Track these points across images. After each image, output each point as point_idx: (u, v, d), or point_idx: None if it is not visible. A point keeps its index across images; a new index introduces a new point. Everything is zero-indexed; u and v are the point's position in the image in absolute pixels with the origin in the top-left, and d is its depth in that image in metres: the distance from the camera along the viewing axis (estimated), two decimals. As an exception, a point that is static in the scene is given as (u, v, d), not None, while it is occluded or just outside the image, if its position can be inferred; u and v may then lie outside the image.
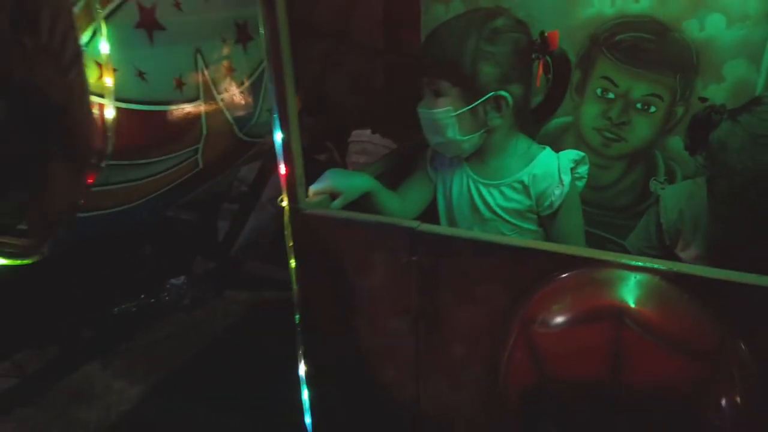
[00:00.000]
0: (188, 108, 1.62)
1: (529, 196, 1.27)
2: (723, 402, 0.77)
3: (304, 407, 1.29)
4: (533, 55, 1.25)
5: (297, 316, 1.23)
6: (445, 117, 1.23)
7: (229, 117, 1.73)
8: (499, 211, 1.30)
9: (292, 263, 1.19)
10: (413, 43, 1.73)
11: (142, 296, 2.27)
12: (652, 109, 1.41)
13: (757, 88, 1.31)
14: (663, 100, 1.40)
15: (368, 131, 2.26)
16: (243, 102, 1.78)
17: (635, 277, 0.86)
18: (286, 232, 1.17)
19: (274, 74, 1.04)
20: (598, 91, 1.46)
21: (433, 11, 1.58)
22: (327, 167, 1.28)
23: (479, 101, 1.22)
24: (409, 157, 1.48)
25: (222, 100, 1.71)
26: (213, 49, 1.65)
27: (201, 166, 1.71)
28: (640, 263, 0.87)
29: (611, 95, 1.43)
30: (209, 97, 1.66)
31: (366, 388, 1.22)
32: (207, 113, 1.66)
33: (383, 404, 1.21)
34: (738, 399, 0.78)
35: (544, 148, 1.31)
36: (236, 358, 1.96)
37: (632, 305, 0.83)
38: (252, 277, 2.45)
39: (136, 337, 2.08)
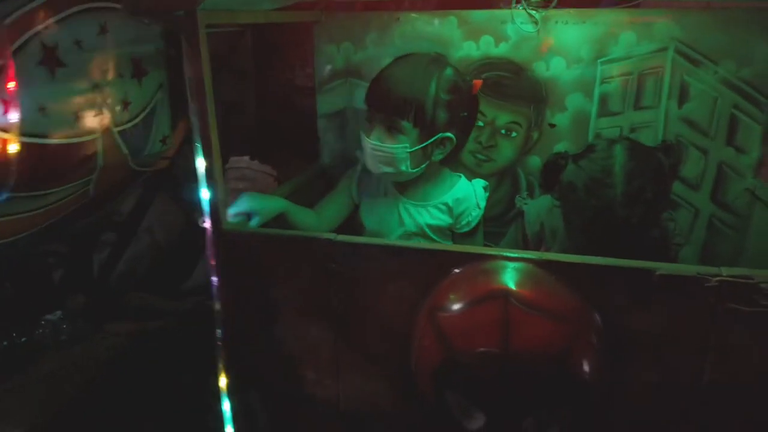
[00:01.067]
0: (86, 141, 1.65)
1: (451, 215, 1.49)
2: (583, 357, 1.01)
3: (225, 418, 1.38)
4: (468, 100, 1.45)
5: (218, 330, 1.32)
6: (401, 152, 1.39)
7: (124, 148, 1.77)
8: (426, 228, 1.50)
9: (214, 280, 1.29)
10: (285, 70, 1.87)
11: (14, 335, 2.14)
12: (514, 134, 1.69)
13: (591, 116, 1.64)
14: (522, 126, 1.68)
15: (246, 157, 2.34)
16: (137, 134, 1.83)
17: (513, 266, 1.09)
18: (208, 252, 1.27)
19: (199, 107, 1.16)
20: (471, 120, 1.72)
21: (327, 50, 1.77)
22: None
23: (431, 140, 1.39)
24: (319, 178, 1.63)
25: (118, 132, 1.75)
26: (110, 84, 1.70)
27: (91, 195, 1.73)
28: (516, 254, 1.10)
29: (481, 123, 1.69)
30: (106, 130, 1.70)
31: (288, 392, 1.33)
32: (104, 145, 1.69)
33: (305, 405, 1.33)
34: (594, 355, 1.02)
35: (460, 176, 1.54)
36: (123, 393, 1.88)
37: (514, 287, 1.04)
38: (132, 309, 2.39)
39: (10, 379, 1.88)
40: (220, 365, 1.34)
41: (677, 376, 1.07)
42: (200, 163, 1.21)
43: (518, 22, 1.60)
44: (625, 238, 1.28)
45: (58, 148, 1.55)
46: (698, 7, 1.51)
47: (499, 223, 1.77)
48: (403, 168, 1.41)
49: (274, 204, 1.41)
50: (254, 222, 1.33)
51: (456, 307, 1.06)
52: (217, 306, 1.28)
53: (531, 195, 1.74)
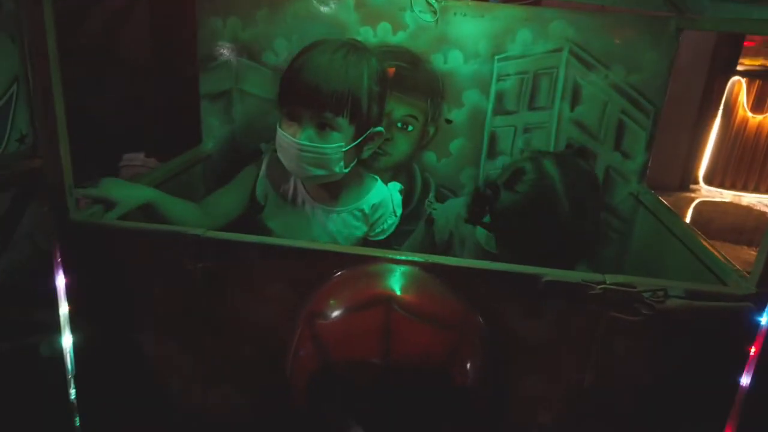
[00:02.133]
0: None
1: (366, 223, 1.38)
2: (467, 364, 0.95)
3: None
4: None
5: (67, 338, 1.14)
6: (336, 152, 1.26)
7: (-25, 149, 1.53)
8: (339, 238, 1.37)
9: (59, 281, 1.11)
10: (187, 62, 1.72)
11: None
12: (410, 128, 1.62)
13: (486, 113, 1.60)
14: (418, 120, 1.62)
15: (141, 155, 2.15)
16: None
17: (400, 269, 1.01)
18: (51, 246, 1.09)
19: (38, 81, 0.98)
20: (366, 110, 1.63)
21: (211, 24, 1.61)
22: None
23: (364, 136, 1.28)
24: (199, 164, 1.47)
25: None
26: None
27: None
28: (403, 257, 1.02)
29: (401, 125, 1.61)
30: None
31: (151, 402, 1.18)
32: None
33: (169, 416, 1.19)
34: (478, 361, 0.96)
35: (376, 179, 1.43)
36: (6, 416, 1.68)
37: (398, 292, 0.96)
38: (10, 324, 2.12)
39: None
40: (69, 378, 1.16)
41: (562, 384, 1.05)
42: (41, 129, 1.03)
43: (417, 10, 1.53)
44: (571, 251, 1.22)
45: None
46: (592, 9, 1.52)
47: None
48: (337, 169, 1.28)
49: (138, 193, 1.24)
50: (112, 214, 1.16)
51: (335, 313, 0.96)
52: (63, 311, 1.10)
53: (426, 192, 1.68)
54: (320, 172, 1.29)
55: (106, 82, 2.18)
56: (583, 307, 0.99)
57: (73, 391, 1.18)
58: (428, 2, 1.51)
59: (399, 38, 1.56)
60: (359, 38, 1.56)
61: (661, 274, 1.37)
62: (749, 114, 4.13)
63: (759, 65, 4.21)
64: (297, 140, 1.25)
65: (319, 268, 1.03)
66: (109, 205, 1.17)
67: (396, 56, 1.57)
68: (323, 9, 1.56)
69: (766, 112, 4.14)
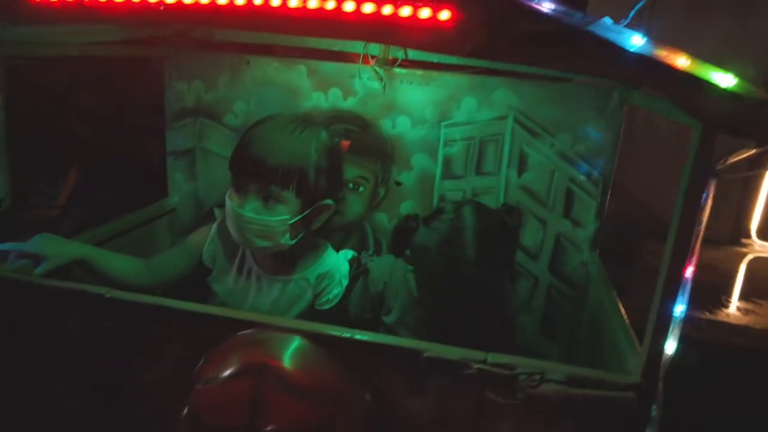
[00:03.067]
0: None
1: (312, 292, 1.38)
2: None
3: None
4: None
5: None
6: (281, 225, 1.26)
7: None
8: (282, 306, 1.37)
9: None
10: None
11: None
12: (361, 189, 1.65)
13: (435, 176, 1.62)
14: (369, 181, 1.64)
15: None
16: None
17: (287, 338, 1.02)
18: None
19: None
20: (318, 171, 1.67)
21: (177, 87, 1.70)
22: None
23: (310, 209, 1.29)
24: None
25: None
26: None
27: None
28: (290, 325, 1.04)
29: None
30: None
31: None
32: None
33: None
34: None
35: (327, 247, 1.43)
36: None
37: (277, 362, 0.98)
38: None
39: None
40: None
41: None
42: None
43: (365, 77, 1.58)
44: (474, 299, 1.25)
45: None
46: (533, 78, 1.53)
47: (345, 278, 1.72)
48: (282, 241, 1.28)
49: (70, 249, 1.29)
50: (41, 268, 1.22)
51: (213, 379, 0.98)
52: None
53: (378, 253, 1.70)
54: (265, 243, 1.28)
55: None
56: (463, 387, 0.98)
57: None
58: (375, 71, 1.56)
59: (349, 104, 1.62)
60: (311, 103, 1.62)
61: (601, 348, 1.33)
62: (805, 165, 3.89)
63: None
64: (242, 211, 1.25)
65: (212, 332, 1.05)
66: (39, 260, 1.23)
67: (346, 120, 1.62)
68: (278, 75, 1.63)
69: (822, 164, 3.90)
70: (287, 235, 1.28)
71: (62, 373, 1.15)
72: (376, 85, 1.58)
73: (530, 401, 0.95)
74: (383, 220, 1.68)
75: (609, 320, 1.31)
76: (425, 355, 0.98)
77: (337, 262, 1.44)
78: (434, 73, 1.56)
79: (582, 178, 1.55)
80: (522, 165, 1.57)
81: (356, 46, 1.58)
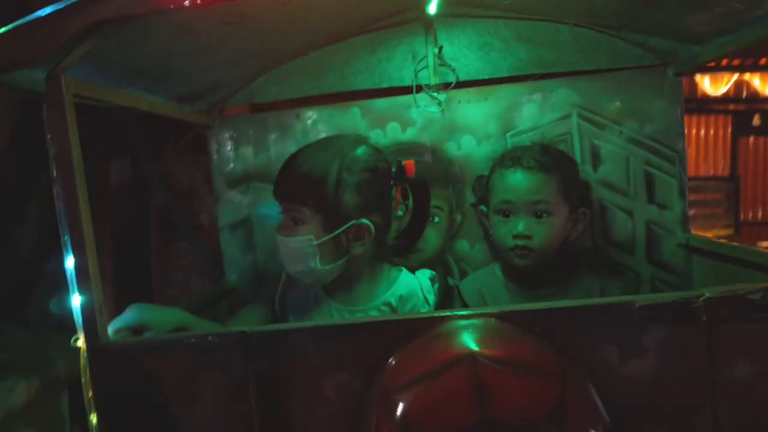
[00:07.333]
0: None
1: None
2: (582, 414, 0.80)
3: None
4: (391, 183, 1.27)
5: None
6: (306, 245, 1.18)
7: None
8: None
9: (93, 419, 0.98)
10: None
11: None
12: (437, 219, 1.57)
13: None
14: (443, 210, 1.57)
15: None
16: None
17: (471, 324, 0.90)
18: (83, 380, 0.98)
19: (64, 189, 0.94)
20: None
21: (223, 156, 1.63)
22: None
23: (340, 230, 1.19)
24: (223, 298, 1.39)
25: None
26: None
27: None
28: (469, 312, 0.92)
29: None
30: None
31: None
32: None
33: None
34: (593, 408, 0.82)
35: (401, 270, 1.33)
36: None
37: (476, 347, 0.85)
38: None
39: None
40: None
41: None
42: (70, 261, 0.97)
43: (422, 105, 1.57)
44: None
45: None
46: (588, 73, 1.55)
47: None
48: (312, 264, 1.19)
49: (170, 316, 1.14)
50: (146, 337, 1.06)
51: (413, 383, 0.83)
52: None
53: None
54: (299, 267, 1.21)
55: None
56: (688, 330, 0.87)
57: None
58: (431, 95, 1.56)
59: (409, 134, 1.59)
60: (370, 141, 1.58)
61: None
62: None
63: None
64: (276, 233, 1.23)
65: (382, 344, 0.91)
66: (141, 330, 1.07)
67: (410, 152, 1.58)
68: (331, 121, 1.60)
69: None
70: (315, 258, 1.19)
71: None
72: (434, 109, 1.56)
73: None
74: (465, 247, 1.59)
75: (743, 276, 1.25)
76: (636, 305, 0.88)
77: (418, 282, 1.33)
78: (489, 87, 1.57)
79: (657, 158, 1.54)
80: (596, 159, 1.56)
81: (404, 80, 1.59)
